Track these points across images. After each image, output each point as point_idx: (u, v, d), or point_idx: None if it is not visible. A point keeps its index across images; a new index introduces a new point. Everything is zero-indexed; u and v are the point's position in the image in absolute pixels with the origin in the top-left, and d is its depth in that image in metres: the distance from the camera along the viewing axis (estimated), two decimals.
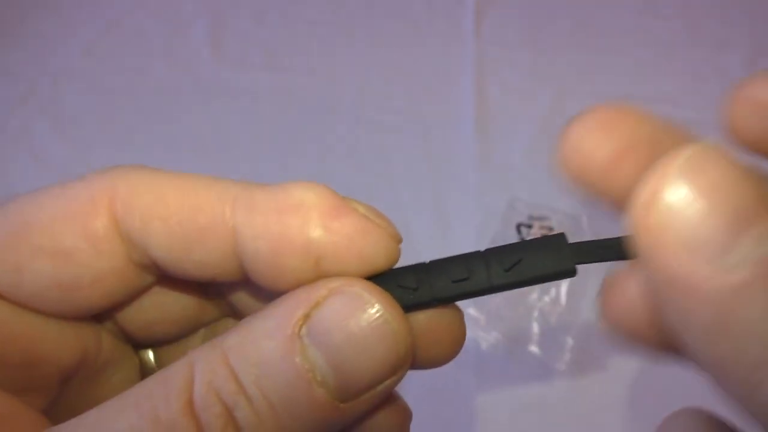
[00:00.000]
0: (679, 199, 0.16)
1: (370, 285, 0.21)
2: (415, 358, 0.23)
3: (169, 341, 0.27)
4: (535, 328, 0.59)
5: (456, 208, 0.70)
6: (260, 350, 0.19)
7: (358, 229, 0.21)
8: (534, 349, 0.59)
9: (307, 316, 0.20)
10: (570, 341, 0.59)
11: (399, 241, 0.22)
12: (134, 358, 0.27)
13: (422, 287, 0.22)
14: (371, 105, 0.79)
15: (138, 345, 0.27)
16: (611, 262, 0.21)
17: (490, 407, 0.57)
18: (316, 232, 0.21)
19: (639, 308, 0.20)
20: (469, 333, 0.67)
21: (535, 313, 0.60)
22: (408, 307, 0.22)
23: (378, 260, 0.21)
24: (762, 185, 0.16)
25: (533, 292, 0.61)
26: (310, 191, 0.21)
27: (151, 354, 0.27)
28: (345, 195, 0.23)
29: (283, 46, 0.86)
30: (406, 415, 0.25)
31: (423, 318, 0.23)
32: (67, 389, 0.24)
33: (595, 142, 0.20)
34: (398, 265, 0.23)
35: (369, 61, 0.84)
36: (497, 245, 0.22)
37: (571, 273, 0.22)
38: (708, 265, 0.16)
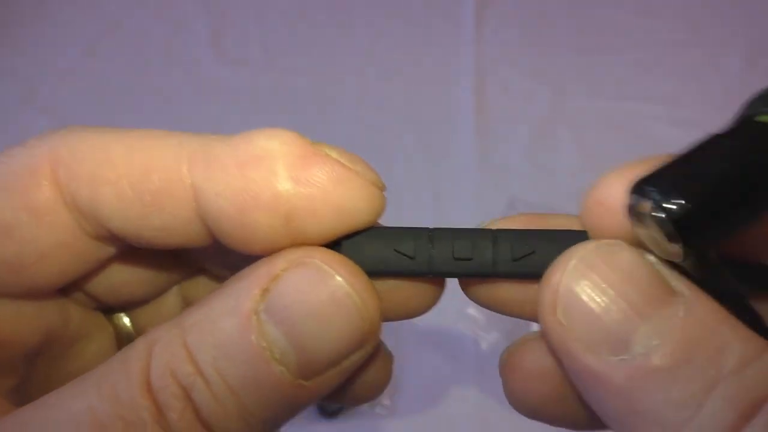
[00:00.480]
0: (577, 299, 0.18)
1: (332, 255, 0.19)
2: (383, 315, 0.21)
3: (143, 303, 0.26)
4: (535, 328, 0.59)
5: (456, 208, 0.70)
6: (218, 330, 0.18)
7: (332, 177, 0.19)
8: None
9: (265, 291, 0.18)
10: None
11: (381, 188, 0.20)
12: (108, 326, 0.26)
13: (420, 257, 0.20)
14: (371, 105, 0.79)
15: (110, 310, 0.26)
16: None
17: (490, 407, 0.57)
18: (283, 185, 0.19)
19: (541, 382, 0.20)
20: (469, 333, 0.67)
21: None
22: (397, 275, 0.20)
23: (359, 213, 0.20)
24: (656, 274, 0.18)
25: None
26: (275, 139, 0.20)
27: (125, 319, 0.26)
28: None
29: (283, 46, 0.86)
30: (388, 361, 0.24)
31: (393, 283, 0.21)
32: (37, 367, 0.23)
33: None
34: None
35: (369, 61, 0.84)
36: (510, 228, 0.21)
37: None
38: (611, 360, 0.17)
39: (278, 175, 0.19)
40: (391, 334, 0.61)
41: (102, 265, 0.23)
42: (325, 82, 0.82)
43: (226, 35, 0.87)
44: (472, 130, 0.76)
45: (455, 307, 0.60)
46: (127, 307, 0.26)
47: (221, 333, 0.18)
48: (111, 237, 0.21)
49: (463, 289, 0.23)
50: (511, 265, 0.20)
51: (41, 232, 0.20)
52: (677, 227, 0.17)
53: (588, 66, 0.82)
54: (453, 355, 0.60)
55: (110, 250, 0.22)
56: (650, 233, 0.17)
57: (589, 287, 0.18)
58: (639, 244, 0.18)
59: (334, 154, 0.20)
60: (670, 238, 0.17)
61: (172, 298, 0.26)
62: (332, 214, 0.19)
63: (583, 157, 0.72)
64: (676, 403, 0.16)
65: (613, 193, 0.19)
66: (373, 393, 0.24)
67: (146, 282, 0.25)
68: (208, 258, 0.24)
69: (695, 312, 0.17)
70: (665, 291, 0.17)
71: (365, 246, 0.20)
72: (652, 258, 0.18)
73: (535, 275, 0.20)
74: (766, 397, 0.16)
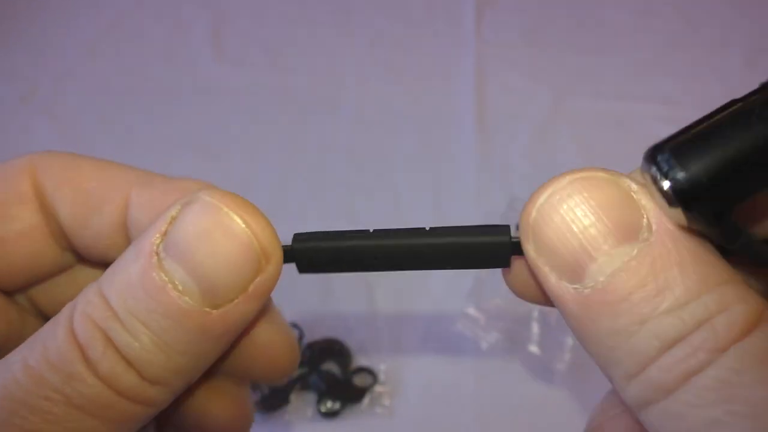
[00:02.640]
0: (542, 230, 0.20)
1: (216, 190, 0.21)
2: (253, 374, 0.24)
3: None
4: (535, 328, 0.59)
5: (456, 208, 0.70)
6: (125, 275, 0.21)
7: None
8: (534, 349, 0.59)
9: (164, 233, 0.21)
10: (570, 341, 0.59)
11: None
12: None
13: (361, 258, 0.23)
14: (371, 105, 0.79)
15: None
16: None
17: (490, 407, 0.57)
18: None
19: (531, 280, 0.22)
20: (469, 333, 0.66)
21: (535, 313, 0.59)
22: (341, 268, 0.23)
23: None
24: (628, 210, 0.19)
25: None
26: (197, 183, 0.24)
27: None
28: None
29: (283, 46, 0.86)
30: (287, 331, 0.26)
31: (264, 335, 0.25)
32: None
33: None
34: None
35: (369, 61, 0.84)
36: (442, 226, 0.23)
37: (505, 264, 0.23)
38: (568, 287, 0.20)
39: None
40: (392, 335, 0.61)
41: (56, 273, 0.26)
42: (325, 82, 0.82)
43: (226, 35, 0.87)
44: (472, 130, 0.76)
45: (455, 307, 0.60)
46: None
47: (128, 276, 0.20)
48: (65, 238, 0.25)
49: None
50: (440, 260, 0.22)
51: (15, 216, 0.24)
52: (677, 197, 0.18)
53: (588, 66, 0.82)
54: (453, 355, 0.60)
55: (65, 257, 0.26)
56: (659, 197, 0.19)
57: (554, 220, 0.20)
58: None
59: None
60: (671, 204, 0.18)
61: None
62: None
63: (583, 157, 0.72)
64: (612, 331, 0.19)
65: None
66: (280, 369, 0.26)
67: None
68: None
69: (647, 252, 0.19)
70: (630, 228, 0.19)
71: (312, 247, 0.23)
72: (633, 186, 0.20)
73: (461, 266, 0.22)
74: (687, 333, 0.18)
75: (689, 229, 0.19)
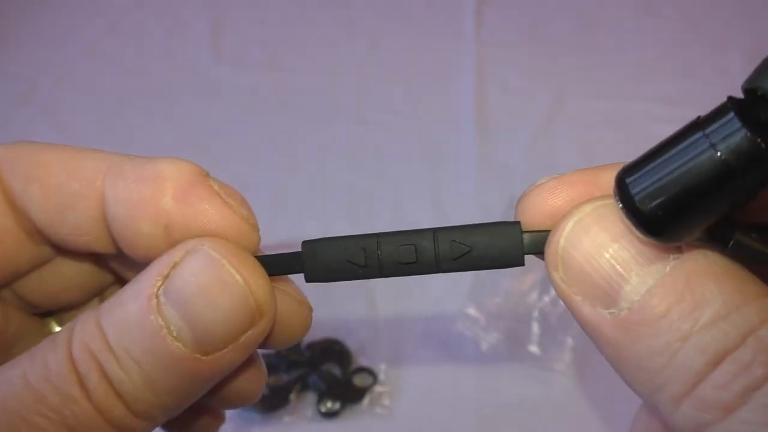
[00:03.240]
0: (572, 258, 0.20)
1: (221, 242, 0.22)
2: (266, 339, 0.24)
3: (72, 308, 0.29)
4: (535, 328, 0.59)
5: (456, 208, 0.70)
6: (124, 311, 0.21)
7: (207, 204, 0.22)
8: (534, 349, 0.59)
9: (165, 277, 0.21)
10: (570, 341, 0.59)
11: (251, 223, 0.23)
12: (43, 330, 0.29)
13: (370, 265, 0.22)
14: (371, 105, 0.79)
15: (44, 314, 0.29)
16: None
17: (490, 407, 0.57)
18: (165, 202, 0.22)
19: None
20: (469, 333, 0.66)
21: (535, 313, 0.60)
22: (351, 279, 0.22)
23: (227, 236, 0.23)
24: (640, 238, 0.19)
25: (533, 292, 0.61)
26: (172, 165, 0.23)
27: (54, 324, 0.29)
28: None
29: (283, 46, 0.86)
30: (262, 375, 0.27)
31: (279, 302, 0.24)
32: None
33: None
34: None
35: (369, 61, 0.84)
36: (450, 225, 0.23)
37: (519, 263, 0.22)
38: (603, 313, 0.19)
39: (164, 194, 0.22)
40: (392, 335, 0.61)
41: (36, 267, 0.26)
42: (325, 82, 0.82)
43: (226, 35, 0.87)
44: (472, 130, 0.76)
45: (455, 307, 0.60)
46: (58, 312, 0.29)
47: (126, 314, 0.21)
48: (40, 234, 0.24)
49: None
50: (451, 264, 0.22)
51: None
52: (642, 226, 0.18)
53: (588, 66, 0.82)
54: (453, 355, 0.60)
55: (44, 251, 0.26)
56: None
57: (582, 247, 0.20)
58: None
59: (215, 187, 0.23)
60: (639, 231, 0.19)
61: (96, 304, 0.29)
62: (203, 232, 0.22)
63: (583, 157, 0.72)
64: (654, 351, 0.18)
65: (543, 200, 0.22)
66: (245, 400, 0.27)
67: (75, 288, 0.28)
68: (126, 268, 0.28)
69: (680, 268, 0.19)
70: (660, 249, 0.19)
71: (320, 255, 0.23)
72: None
73: (474, 268, 0.22)
74: (734, 346, 0.17)
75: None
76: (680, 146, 0.18)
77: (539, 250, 0.21)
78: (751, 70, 0.18)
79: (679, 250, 0.19)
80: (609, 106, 0.78)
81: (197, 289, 0.21)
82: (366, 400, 0.57)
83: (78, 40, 0.87)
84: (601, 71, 0.82)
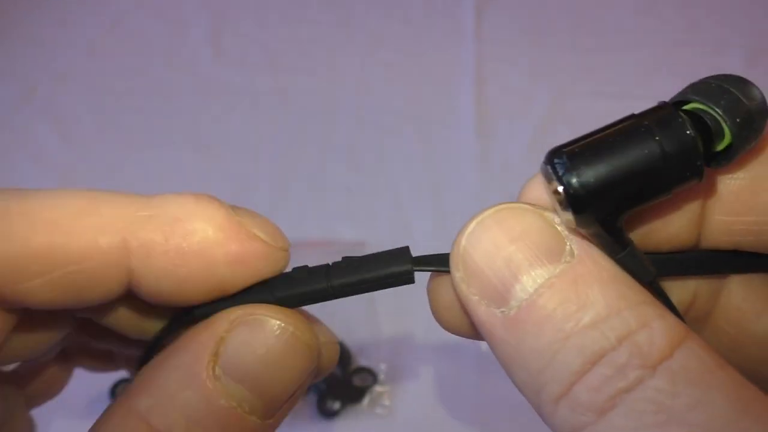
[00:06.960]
0: (471, 257, 0.20)
1: (265, 306, 0.22)
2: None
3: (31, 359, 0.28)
4: None
5: (456, 208, 0.70)
6: (181, 404, 0.20)
7: (256, 255, 0.22)
8: None
9: (216, 355, 0.20)
10: None
11: (286, 249, 0.23)
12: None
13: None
14: (371, 105, 0.79)
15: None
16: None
17: (490, 407, 0.57)
18: (221, 271, 0.21)
19: (456, 313, 0.23)
20: None
21: None
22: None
23: (266, 272, 0.22)
24: (551, 236, 0.20)
25: None
26: (207, 223, 0.21)
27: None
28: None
29: (283, 46, 0.86)
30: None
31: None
32: None
33: None
34: None
35: (369, 61, 0.84)
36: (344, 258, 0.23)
37: (409, 281, 0.23)
38: (495, 312, 0.19)
39: (216, 263, 0.21)
40: (392, 335, 0.61)
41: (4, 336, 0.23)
42: (325, 82, 0.82)
43: (226, 35, 0.87)
44: (472, 129, 0.76)
45: None
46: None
47: (186, 406, 0.20)
48: (9, 303, 0.21)
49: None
50: (345, 289, 0.23)
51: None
52: (568, 200, 0.19)
53: (588, 66, 0.82)
54: (453, 355, 0.60)
55: (10, 319, 0.22)
56: (553, 199, 0.20)
57: (481, 246, 0.20)
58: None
59: (249, 226, 0.22)
60: (563, 206, 0.19)
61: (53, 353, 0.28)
62: (251, 279, 0.22)
63: None
64: (537, 351, 0.19)
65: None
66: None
67: (39, 342, 0.25)
68: (94, 312, 0.25)
69: (569, 271, 0.19)
70: (553, 252, 0.19)
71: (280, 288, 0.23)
72: (557, 219, 0.20)
73: (370, 290, 0.23)
74: (611, 348, 0.18)
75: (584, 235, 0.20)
76: (618, 128, 0.20)
77: (429, 268, 0.23)
78: (751, 71, 0.18)
79: (572, 253, 0.19)
80: (609, 106, 0.78)
81: (263, 358, 0.21)
82: (366, 400, 0.57)
83: (78, 40, 0.87)
84: (601, 71, 0.82)
